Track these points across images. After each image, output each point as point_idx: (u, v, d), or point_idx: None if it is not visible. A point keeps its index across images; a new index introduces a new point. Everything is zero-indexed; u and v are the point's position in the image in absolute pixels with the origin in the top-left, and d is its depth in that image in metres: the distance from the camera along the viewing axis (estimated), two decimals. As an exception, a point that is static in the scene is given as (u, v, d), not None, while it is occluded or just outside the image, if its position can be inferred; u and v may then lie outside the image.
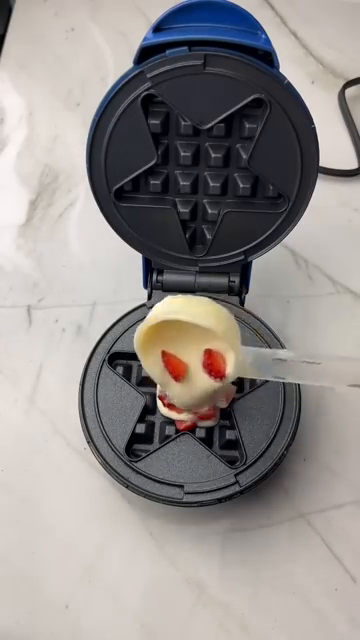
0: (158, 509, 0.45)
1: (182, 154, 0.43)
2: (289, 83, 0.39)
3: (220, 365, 0.40)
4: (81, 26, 0.78)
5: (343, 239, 0.62)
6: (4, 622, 0.44)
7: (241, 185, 0.45)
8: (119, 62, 0.73)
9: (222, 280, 0.49)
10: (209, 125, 0.41)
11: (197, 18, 0.38)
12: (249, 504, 0.47)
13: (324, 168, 0.62)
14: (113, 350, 0.48)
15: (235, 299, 0.50)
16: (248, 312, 0.50)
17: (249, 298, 0.51)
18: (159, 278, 0.50)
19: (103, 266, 0.60)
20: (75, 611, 0.44)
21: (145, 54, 0.39)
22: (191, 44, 0.38)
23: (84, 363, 0.48)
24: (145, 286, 0.51)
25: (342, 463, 0.50)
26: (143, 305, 0.50)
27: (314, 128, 0.41)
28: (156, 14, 0.39)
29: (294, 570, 0.46)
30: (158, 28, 0.38)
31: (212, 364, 0.40)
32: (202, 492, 0.43)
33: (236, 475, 0.43)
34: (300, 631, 0.44)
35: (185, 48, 0.38)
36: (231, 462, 0.44)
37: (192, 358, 0.41)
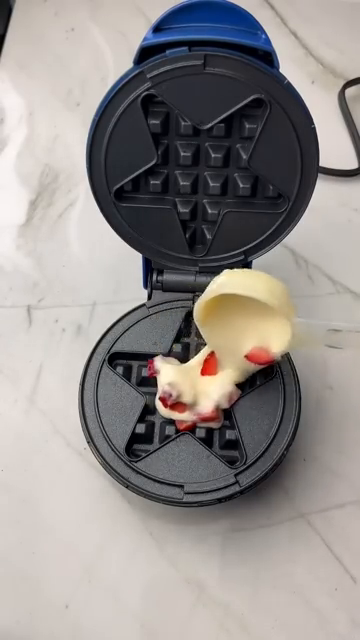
0: (158, 509, 0.45)
1: (182, 154, 0.44)
2: (289, 83, 0.39)
3: (264, 358, 0.44)
4: (81, 26, 0.78)
5: (343, 239, 0.62)
6: (4, 622, 0.44)
7: (241, 185, 0.45)
8: (119, 62, 0.73)
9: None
10: (209, 125, 0.41)
11: (197, 18, 0.38)
12: (249, 504, 0.47)
13: (324, 168, 0.62)
14: (113, 350, 0.48)
15: (235, 299, 0.50)
16: (248, 312, 0.50)
17: (249, 298, 0.51)
18: (159, 278, 0.50)
19: (103, 266, 0.60)
20: (75, 611, 0.44)
21: (145, 54, 0.39)
22: (191, 44, 0.38)
23: (84, 363, 0.48)
24: (145, 286, 0.51)
25: (342, 463, 0.50)
26: (143, 305, 0.50)
27: (314, 128, 0.41)
28: (156, 14, 0.39)
29: (294, 570, 0.46)
30: (158, 28, 0.38)
31: (256, 359, 0.44)
32: (202, 492, 0.43)
33: (236, 475, 0.43)
34: (300, 631, 0.44)
35: (185, 48, 0.38)
36: (231, 462, 0.44)
37: (248, 330, 0.43)
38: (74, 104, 0.71)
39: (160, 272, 0.50)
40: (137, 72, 0.39)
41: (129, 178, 0.44)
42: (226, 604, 0.45)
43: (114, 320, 0.50)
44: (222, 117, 0.41)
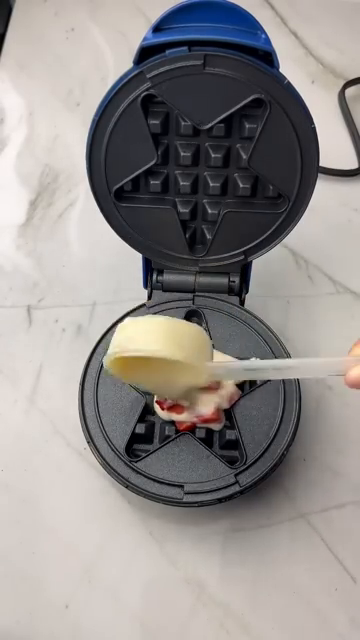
0: (158, 509, 0.45)
1: (182, 154, 0.43)
2: (289, 83, 0.39)
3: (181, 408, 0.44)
4: (81, 26, 0.78)
5: (343, 239, 0.62)
6: (4, 622, 0.44)
7: (241, 185, 0.45)
8: (119, 62, 0.73)
9: (222, 280, 0.49)
10: (209, 125, 0.41)
11: (197, 18, 0.38)
12: (249, 504, 0.47)
13: (324, 168, 0.62)
14: (113, 350, 0.48)
15: (235, 299, 0.50)
16: (248, 312, 0.50)
17: (249, 298, 0.51)
18: (159, 278, 0.50)
19: (103, 266, 0.60)
20: (75, 611, 0.44)
21: (145, 54, 0.39)
22: (191, 44, 0.38)
23: (84, 363, 0.48)
24: (145, 286, 0.51)
25: (342, 463, 0.50)
26: (143, 305, 0.50)
27: (314, 128, 0.41)
28: (156, 14, 0.39)
29: (294, 570, 0.46)
30: (158, 28, 0.38)
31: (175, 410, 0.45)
32: (202, 492, 0.43)
33: (236, 475, 0.43)
34: (300, 631, 0.44)
35: (185, 48, 0.38)
36: (231, 462, 0.44)
37: (168, 372, 0.40)
38: (74, 104, 0.71)
39: (160, 272, 0.50)
40: (137, 72, 0.39)
41: (129, 178, 0.44)
42: (226, 604, 0.45)
43: (114, 320, 0.50)
44: (222, 117, 0.41)
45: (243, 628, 0.44)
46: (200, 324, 0.50)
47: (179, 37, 0.38)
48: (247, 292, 0.51)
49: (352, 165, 0.66)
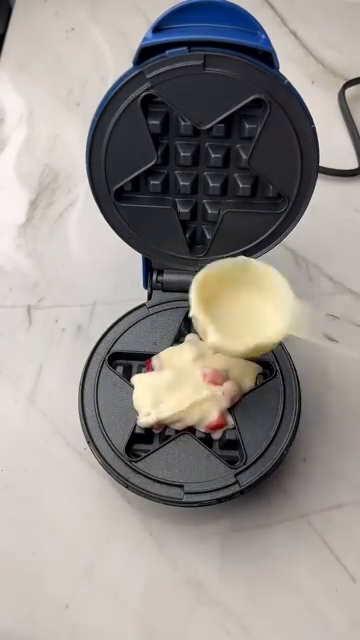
0: (158, 509, 0.45)
1: (182, 154, 0.43)
2: (289, 83, 0.39)
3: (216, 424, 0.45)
4: (81, 26, 0.78)
5: (343, 239, 0.62)
6: (4, 622, 0.44)
7: (241, 185, 0.44)
8: (119, 62, 0.73)
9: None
10: (209, 125, 0.41)
11: (197, 18, 0.38)
12: (249, 504, 0.47)
13: (324, 168, 0.62)
14: (113, 350, 0.48)
15: (235, 299, 0.50)
16: (248, 312, 0.50)
17: (249, 298, 0.51)
18: (159, 278, 0.50)
19: (103, 266, 0.60)
20: (75, 611, 0.44)
21: (145, 54, 0.38)
22: (191, 44, 0.38)
23: (84, 363, 0.48)
24: (145, 286, 0.51)
25: (342, 463, 0.50)
26: (143, 305, 0.50)
27: (314, 128, 0.41)
28: (156, 14, 0.39)
29: (294, 570, 0.46)
30: (158, 28, 0.38)
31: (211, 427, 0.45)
32: (202, 492, 0.43)
33: (236, 475, 0.43)
34: (300, 631, 0.44)
35: (185, 48, 0.38)
36: (231, 462, 0.44)
37: (248, 312, 0.42)
38: (74, 104, 0.71)
39: (160, 272, 0.50)
40: (137, 72, 0.39)
41: (129, 178, 0.44)
42: (226, 604, 0.45)
43: (114, 320, 0.50)
44: (222, 117, 0.41)
45: (243, 628, 0.44)
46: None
47: (179, 37, 0.38)
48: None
49: (352, 165, 0.66)
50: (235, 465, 0.44)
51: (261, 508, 0.48)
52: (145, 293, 0.51)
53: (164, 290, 0.50)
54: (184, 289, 0.50)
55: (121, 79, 0.40)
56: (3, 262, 0.61)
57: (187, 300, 0.49)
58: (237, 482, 0.43)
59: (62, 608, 0.44)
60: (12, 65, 0.75)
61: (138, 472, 0.43)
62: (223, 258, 0.48)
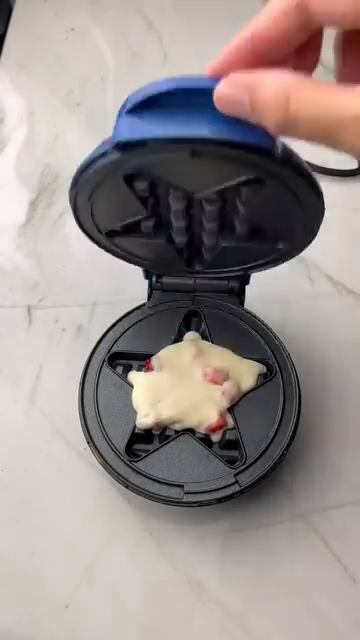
0: (158, 509, 0.45)
1: (174, 209, 0.40)
2: (294, 165, 0.33)
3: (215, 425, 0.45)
4: (81, 26, 0.78)
5: (343, 239, 0.62)
6: (4, 622, 0.44)
7: (238, 229, 0.41)
8: (119, 62, 0.73)
9: (222, 282, 0.49)
10: (201, 196, 0.38)
11: (181, 100, 0.30)
12: (249, 504, 0.47)
13: (324, 168, 0.62)
14: (113, 350, 0.48)
15: (235, 299, 0.50)
16: (248, 312, 0.50)
17: (249, 298, 0.51)
18: (159, 280, 0.50)
19: (103, 266, 0.59)
20: (75, 611, 0.44)
21: (123, 145, 0.32)
22: (174, 141, 0.31)
23: (84, 363, 0.48)
24: (146, 277, 0.50)
25: (342, 463, 0.50)
26: (143, 305, 0.50)
27: (322, 199, 0.36)
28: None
29: (294, 570, 0.46)
30: (136, 106, 0.31)
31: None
32: (202, 492, 0.43)
33: (236, 475, 0.43)
34: (300, 631, 0.44)
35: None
36: (231, 462, 0.44)
37: None
38: (74, 104, 0.71)
39: (160, 275, 0.50)
40: (117, 157, 0.33)
41: (119, 225, 0.42)
42: (226, 604, 0.45)
43: (114, 320, 0.50)
44: (214, 190, 0.36)
45: (243, 628, 0.44)
46: (200, 324, 0.50)
47: (159, 133, 0.31)
48: (247, 286, 0.50)
49: (352, 165, 0.66)
50: (235, 465, 0.44)
51: (261, 508, 0.48)
52: (145, 293, 0.51)
53: (164, 290, 0.50)
54: (184, 290, 0.50)
55: (98, 158, 0.34)
56: (3, 262, 0.61)
57: (187, 300, 0.50)
58: (237, 482, 0.43)
59: (62, 608, 0.44)
60: (12, 65, 0.75)
61: (138, 472, 0.43)
62: (222, 272, 0.48)
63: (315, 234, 0.40)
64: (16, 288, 0.59)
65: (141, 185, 0.37)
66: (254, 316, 0.50)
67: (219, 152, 0.31)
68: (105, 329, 0.49)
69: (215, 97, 0.28)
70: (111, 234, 0.43)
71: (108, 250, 0.45)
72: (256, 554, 0.46)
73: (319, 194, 0.35)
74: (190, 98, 0.30)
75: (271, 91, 0.26)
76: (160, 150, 0.32)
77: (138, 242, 0.44)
